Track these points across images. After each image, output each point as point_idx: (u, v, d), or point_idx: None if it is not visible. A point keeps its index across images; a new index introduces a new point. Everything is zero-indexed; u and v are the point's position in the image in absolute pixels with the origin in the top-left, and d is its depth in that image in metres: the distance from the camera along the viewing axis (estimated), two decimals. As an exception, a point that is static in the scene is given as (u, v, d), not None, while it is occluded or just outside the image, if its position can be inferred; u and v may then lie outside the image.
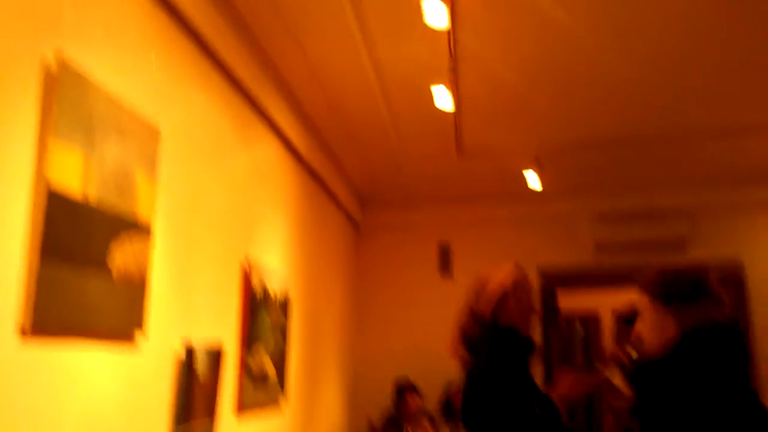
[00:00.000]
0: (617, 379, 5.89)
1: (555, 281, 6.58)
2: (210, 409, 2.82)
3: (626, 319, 4.28)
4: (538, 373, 5.22)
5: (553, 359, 6.28)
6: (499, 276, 2.37)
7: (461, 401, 2.18)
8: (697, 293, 1.83)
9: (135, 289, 2.24)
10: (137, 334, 2.30)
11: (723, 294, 1.85)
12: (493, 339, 2.25)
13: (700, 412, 1.65)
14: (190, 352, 2.61)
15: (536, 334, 2.41)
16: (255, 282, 3.36)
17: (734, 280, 5.93)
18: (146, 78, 2.43)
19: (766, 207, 5.87)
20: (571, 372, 2.35)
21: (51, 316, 1.84)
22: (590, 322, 9.05)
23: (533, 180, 5.38)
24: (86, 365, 2.05)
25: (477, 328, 2.31)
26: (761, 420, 1.68)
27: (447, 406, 5.43)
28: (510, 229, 6.21)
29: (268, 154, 3.80)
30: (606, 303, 8.36)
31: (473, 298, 2.38)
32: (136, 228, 2.24)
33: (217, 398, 2.89)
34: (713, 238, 5.88)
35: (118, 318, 2.16)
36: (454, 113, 4.21)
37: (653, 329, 1.90)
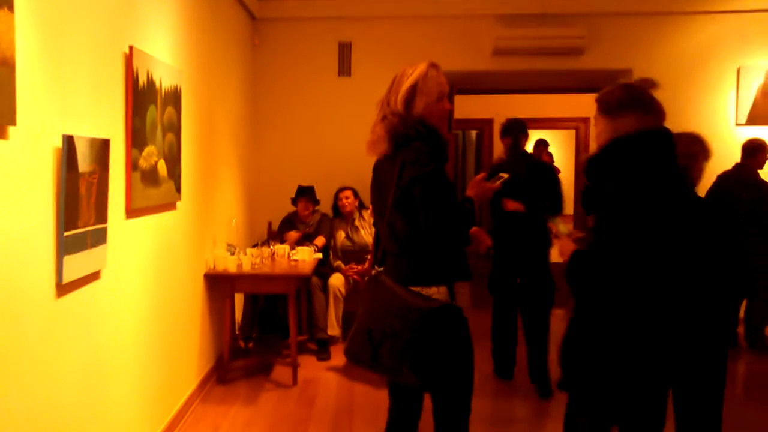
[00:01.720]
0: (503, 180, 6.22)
1: (453, 86, 6.56)
2: (100, 212, 2.65)
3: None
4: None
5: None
6: (414, 69, 2.31)
7: (415, 192, 2.18)
8: (631, 104, 2.07)
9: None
10: (8, 127, 2.05)
11: (656, 106, 2.08)
12: (427, 134, 2.25)
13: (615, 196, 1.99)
14: (70, 142, 2.36)
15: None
16: (140, 72, 3.06)
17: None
18: None
19: (658, 16, 5.94)
20: (478, 177, 2.47)
21: None
22: (484, 128, 9.28)
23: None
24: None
25: (408, 123, 2.26)
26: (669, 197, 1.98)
27: (336, 207, 5.64)
28: (410, 30, 6.01)
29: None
30: (501, 109, 8.52)
31: (389, 93, 2.31)
32: (-7, 0, 1.90)
33: (106, 199, 2.71)
34: (608, 47, 5.96)
35: (-17, 106, 1.89)
36: None
37: (597, 135, 2.16)
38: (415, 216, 2.19)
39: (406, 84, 2.28)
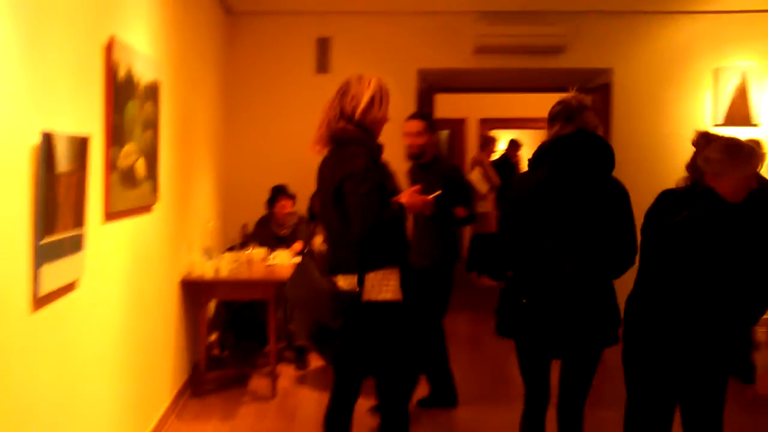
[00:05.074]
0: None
1: (433, 85, 6.42)
2: (77, 216, 2.41)
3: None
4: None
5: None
6: (371, 82, 2.61)
7: (349, 184, 2.48)
8: (557, 116, 2.64)
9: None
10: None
11: (577, 117, 2.59)
12: (365, 138, 2.57)
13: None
14: (48, 140, 2.12)
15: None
16: (120, 65, 2.81)
17: (603, 86, 6.09)
18: None
19: (638, 15, 5.88)
20: (413, 187, 2.71)
21: None
22: (456, 127, 9.15)
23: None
24: None
25: (346, 126, 2.57)
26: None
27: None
28: (391, 26, 5.84)
29: None
30: (474, 109, 8.40)
31: (344, 99, 2.59)
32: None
33: (84, 202, 2.47)
34: (588, 46, 5.90)
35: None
36: None
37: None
38: (344, 210, 2.49)
39: (367, 95, 2.58)
